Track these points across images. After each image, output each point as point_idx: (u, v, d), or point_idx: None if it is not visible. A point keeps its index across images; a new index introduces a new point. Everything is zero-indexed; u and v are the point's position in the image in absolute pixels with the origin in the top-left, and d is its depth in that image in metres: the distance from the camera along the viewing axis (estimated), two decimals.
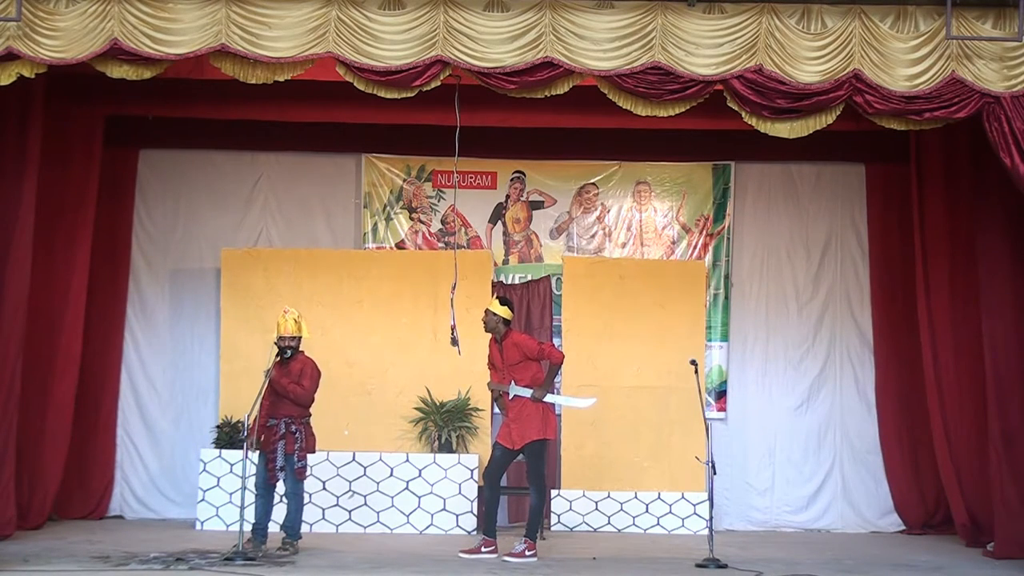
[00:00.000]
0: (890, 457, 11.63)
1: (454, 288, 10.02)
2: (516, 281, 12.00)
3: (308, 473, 9.55)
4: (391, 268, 11.67)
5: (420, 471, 10.91)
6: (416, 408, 11.24)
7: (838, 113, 9.20)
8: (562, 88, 9.23)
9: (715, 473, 9.34)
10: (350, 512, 10.84)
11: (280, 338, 9.37)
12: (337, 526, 10.84)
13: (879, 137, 10.76)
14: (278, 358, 9.36)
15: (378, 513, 10.86)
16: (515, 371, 9.35)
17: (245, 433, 9.09)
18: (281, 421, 9.30)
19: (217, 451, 10.93)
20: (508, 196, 12.14)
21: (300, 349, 9.49)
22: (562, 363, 9.45)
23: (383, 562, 8.99)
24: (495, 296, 9.50)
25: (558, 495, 11.22)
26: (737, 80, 9.04)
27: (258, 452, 9.31)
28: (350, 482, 10.87)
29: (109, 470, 11.59)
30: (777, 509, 11.80)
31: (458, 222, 12.06)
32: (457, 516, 10.84)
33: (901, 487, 11.56)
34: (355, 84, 9.11)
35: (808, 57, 9.01)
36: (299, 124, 11.65)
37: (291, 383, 9.30)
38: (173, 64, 9.07)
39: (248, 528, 9.07)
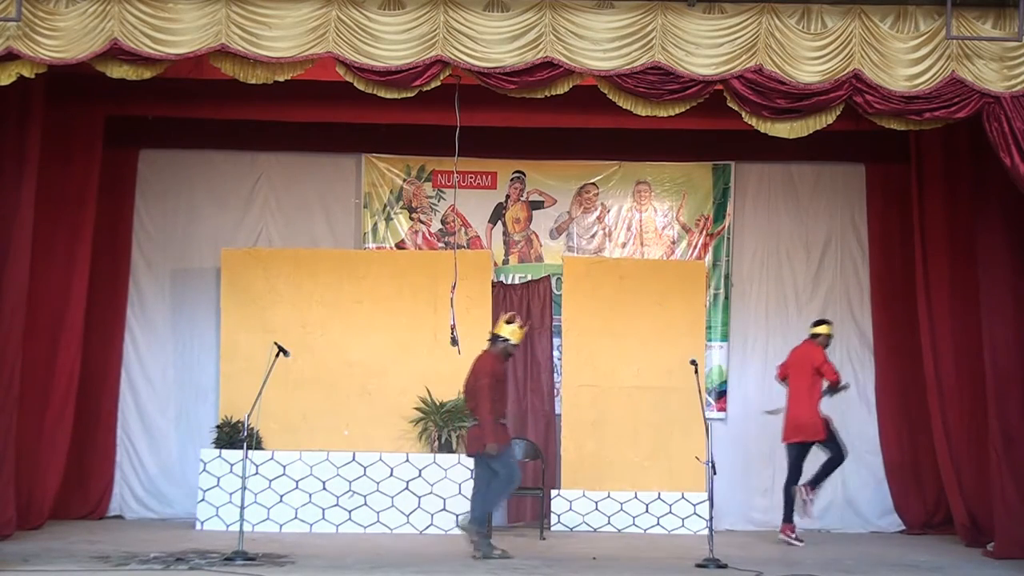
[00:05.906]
0: (890, 457, 11.62)
1: (454, 288, 10.04)
2: (516, 281, 11.99)
3: None
4: (391, 268, 11.67)
5: (420, 471, 10.90)
6: (416, 408, 11.23)
7: (838, 113, 9.21)
8: (562, 88, 9.23)
9: (715, 473, 9.34)
10: (350, 512, 10.83)
11: (514, 346, 9.57)
12: (337, 526, 10.83)
13: (879, 137, 10.75)
14: (507, 359, 9.57)
15: (378, 513, 10.86)
16: None
17: (245, 433, 9.08)
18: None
19: (217, 451, 10.92)
20: (508, 196, 12.13)
21: None
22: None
23: (383, 562, 8.98)
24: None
25: (558, 495, 11.21)
26: (737, 80, 9.05)
27: (496, 449, 9.36)
28: (350, 482, 10.86)
29: (109, 470, 11.59)
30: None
31: (458, 222, 12.05)
32: (457, 516, 10.80)
33: (901, 487, 11.55)
34: (355, 84, 9.11)
35: (808, 57, 9.02)
36: (299, 124, 11.66)
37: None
38: (173, 64, 9.08)
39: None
